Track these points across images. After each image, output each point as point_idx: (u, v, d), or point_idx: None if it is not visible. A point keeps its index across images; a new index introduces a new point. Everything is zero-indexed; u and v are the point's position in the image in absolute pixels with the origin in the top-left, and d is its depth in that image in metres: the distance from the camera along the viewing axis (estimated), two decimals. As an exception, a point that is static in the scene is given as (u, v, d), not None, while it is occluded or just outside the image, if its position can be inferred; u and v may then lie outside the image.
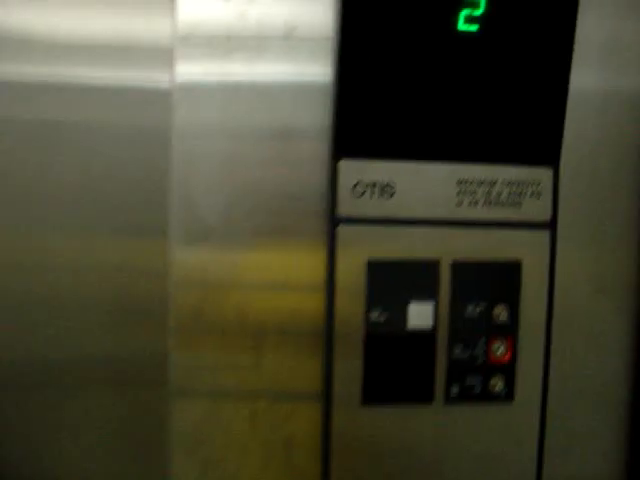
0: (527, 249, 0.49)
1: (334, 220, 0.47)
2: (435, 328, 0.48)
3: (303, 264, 0.48)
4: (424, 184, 0.48)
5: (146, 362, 0.47)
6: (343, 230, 0.47)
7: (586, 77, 0.50)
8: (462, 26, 0.47)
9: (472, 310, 0.48)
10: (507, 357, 0.49)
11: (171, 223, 0.46)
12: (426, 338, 0.48)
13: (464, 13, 0.46)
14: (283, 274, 0.48)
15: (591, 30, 0.49)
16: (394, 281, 0.48)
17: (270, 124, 0.47)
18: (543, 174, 0.49)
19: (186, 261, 0.47)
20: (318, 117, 0.47)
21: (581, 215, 0.51)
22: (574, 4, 0.47)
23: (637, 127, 0.51)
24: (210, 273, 0.47)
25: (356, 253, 0.47)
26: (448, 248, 0.48)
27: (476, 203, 0.48)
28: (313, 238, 0.48)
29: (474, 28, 0.47)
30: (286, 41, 0.47)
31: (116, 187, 0.46)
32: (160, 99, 0.46)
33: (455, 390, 0.49)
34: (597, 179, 0.51)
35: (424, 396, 0.49)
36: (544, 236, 0.49)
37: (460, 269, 0.48)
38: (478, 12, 0.47)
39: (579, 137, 0.50)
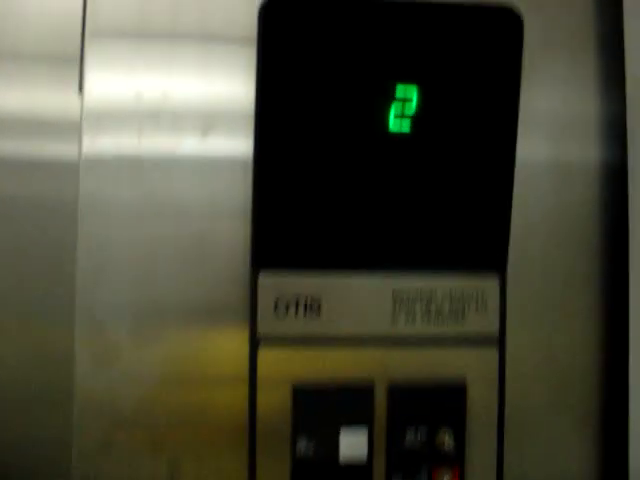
0: (473, 367, 0.44)
1: (255, 341, 0.42)
2: (370, 459, 0.43)
3: (224, 357, 0.43)
4: (355, 298, 0.43)
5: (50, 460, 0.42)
6: (265, 353, 0.42)
7: (536, 153, 0.46)
8: (393, 126, 0.42)
9: (412, 438, 0.43)
10: (454, 489, 0.44)
11: (78, 307, 0.42)
12: (360, 471, 0.43)
13: (394, 112, 0.42)
14: (201, 368, 0.43)
15: (540, 105, 0.46)
16: (323, 407, 0.42)
17: (186, 205, 0.43)
18: (488, 282, 0.44)
19: (93, 350, 0.42)
20: (239, 199, 0.43)
21: (533, 320, 0.46)
22: (515, 102, 0.43)
23: (590, 208, 0.47)
24: (119, 364, 0.42)
25: (280, 377, 0.42)
26: (384, 369, 0.43)
27: (414, 318, 0.43)
28: (235, 329, 0.43)
29: (406, 127, 0.42)
30: (203, 137, 0.43)
31: (19, 265, 0.42)
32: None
33: (396, 528, 0.43)
34: (549, 276, 0.46)
35: (361, 534, 0.43)
36: (491, 352, 0.44)
37: (397, 392, 0.43)
38: (410, 110, 0.42)
39: (527, 226, 0.46)
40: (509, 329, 0.44)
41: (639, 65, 0.46)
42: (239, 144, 0.43)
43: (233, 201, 0.43)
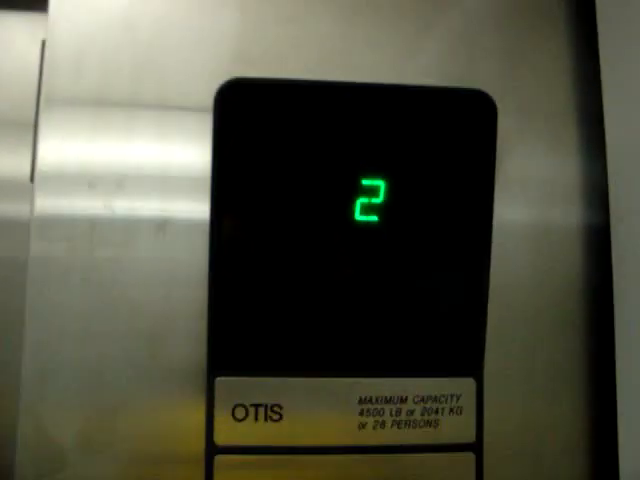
0: (449, 475, 0.41)
1: (212, 449, 0.39)
2: None
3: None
4: (318, 404, 0.40)
5: None
6: (221, 462, 0.39)
7: (514, 226, 0.43)
8: (360, 216, 0.39)
9: None
10: None
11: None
12: None
13: (361, 201, 0.39)
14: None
15: (519, 175, 0.43)
16: (285, 522, 0.40)
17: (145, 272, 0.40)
18: (463, 386, 0.41)
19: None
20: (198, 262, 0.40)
21: (514, 420, 0.43)
22: (490, 188, 0.40)
23: (574, 287, 0.44)
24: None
25: (238, 488, 0.40)
26: (350, 477, 0.40)
27: (383, 425, 0.40)
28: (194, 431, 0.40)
29: (373, 217, 0.39)
30: (158, 233, 0.40)
31: None
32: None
33: None
34: (532, 371, 0.43)
35: None
36: (468, 460, 0.41)
37: (366, 504, 0.40)
38: (378, 200, 0.39)
39: (505, 318, 0.42)
40: (488, 431, 0.41)
41: (619, 136, 0.42)
42: (197, 209, 0.41)
43: (192, 267, 0.40)
